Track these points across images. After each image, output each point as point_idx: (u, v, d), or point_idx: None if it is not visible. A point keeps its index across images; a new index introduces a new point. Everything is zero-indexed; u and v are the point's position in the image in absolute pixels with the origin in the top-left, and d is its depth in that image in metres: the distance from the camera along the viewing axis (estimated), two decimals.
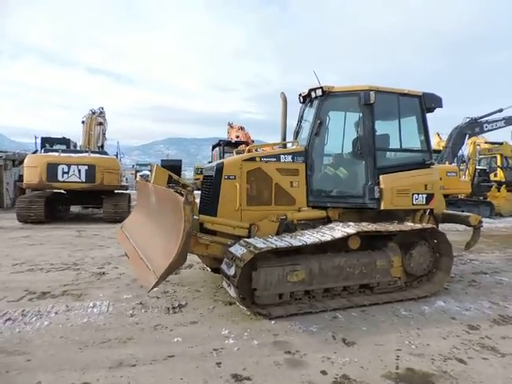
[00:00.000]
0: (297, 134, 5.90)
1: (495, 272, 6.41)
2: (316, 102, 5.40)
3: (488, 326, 4.06)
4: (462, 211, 8.50)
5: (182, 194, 5.08)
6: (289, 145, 5.73)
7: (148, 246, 4.26)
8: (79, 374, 2.94)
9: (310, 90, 5.47)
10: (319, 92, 5.31)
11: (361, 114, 5.32)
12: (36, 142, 23.81)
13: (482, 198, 15.37)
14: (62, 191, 12.34)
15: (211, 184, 5.02)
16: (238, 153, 5.67)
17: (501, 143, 17.51)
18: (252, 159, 5.01)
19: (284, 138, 5.76)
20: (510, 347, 3.56)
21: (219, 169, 4.91)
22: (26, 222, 10.99)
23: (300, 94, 5.85)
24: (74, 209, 14.96)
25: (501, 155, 17.48)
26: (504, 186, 15.82)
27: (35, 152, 17.07)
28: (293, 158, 5.18)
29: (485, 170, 17.73)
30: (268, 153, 5.30)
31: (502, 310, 4.59)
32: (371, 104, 5.18)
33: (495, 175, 17.80)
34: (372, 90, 5.18)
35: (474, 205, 14.28)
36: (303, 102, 5.89)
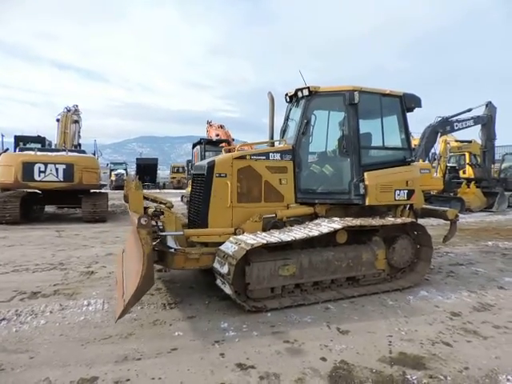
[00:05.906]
0: (283, 132, 6.04)
1: (470, 263, 6.78)
2: (303, 102, 5.54)
3: (468, 313, 4.34)
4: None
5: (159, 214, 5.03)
6: (276, 143, 5.86)
7: (127, 274, 4.13)
8: (86, 368, 2.97)
9: (297, 90, 5.60)
10: (306, 92, 5.45)
11: (345, 114, 5.50)
12: (2, 141, 22.92)
13: (452, 194, 15.97)
14: (37, 191, 12.01)
15: (202, 182, 5.08)
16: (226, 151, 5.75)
17: (469, 141, 18.21)
18: (242, 157, 5.10)
19: (272, 137, 5.89)
20: (491, 331, 3.84)
21: (211, 167, 4.97)
22: (1, 222, 10.67)
23: (286, 94, 5.99)
24: (49, 209, 14.59)
25: (469, 153, 18.15)
26: (473, 182, 16.45)
27: (6, 150, 16.50)
28: (281, 156, 5.31)
29: (454, 167, 18.43)
30: (258, 151, 5.40)
31: (480, 297, 4.90)
32: (355, 104, 5.37)
33: (464, 172, 18.51)
34: (356, 91, 5.37)
35: (446, 201, 14.76)
36: (289, 102, 6.03)
